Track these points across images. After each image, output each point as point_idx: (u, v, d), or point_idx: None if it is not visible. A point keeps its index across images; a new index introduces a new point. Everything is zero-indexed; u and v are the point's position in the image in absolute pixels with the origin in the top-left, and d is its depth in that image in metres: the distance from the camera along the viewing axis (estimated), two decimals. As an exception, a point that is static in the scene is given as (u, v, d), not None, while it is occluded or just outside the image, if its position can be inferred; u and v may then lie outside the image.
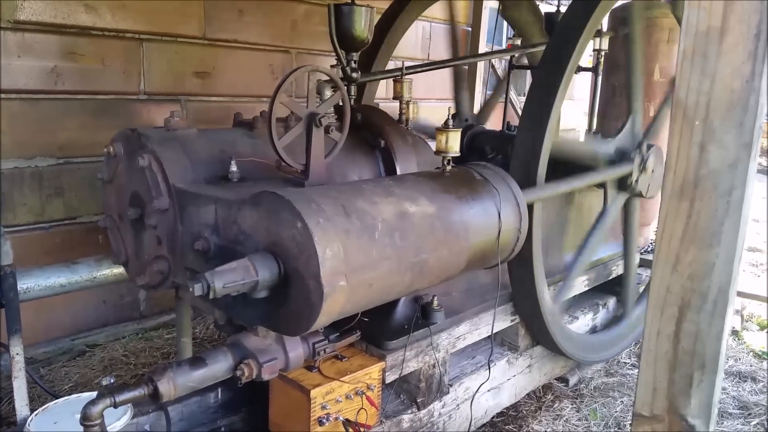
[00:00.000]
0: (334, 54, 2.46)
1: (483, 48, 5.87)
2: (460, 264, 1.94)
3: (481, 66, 5.82)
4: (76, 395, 2.46)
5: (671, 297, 0.90)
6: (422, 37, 5.45)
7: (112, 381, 1.66)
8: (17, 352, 2.16)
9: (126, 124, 3.48)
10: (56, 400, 2.41)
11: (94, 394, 2.49)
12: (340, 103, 2.08)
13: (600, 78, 3.45)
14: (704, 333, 0.90)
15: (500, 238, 2.02)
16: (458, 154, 2.06)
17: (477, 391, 2.63)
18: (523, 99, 4.38)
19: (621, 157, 3.12)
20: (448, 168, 2.07)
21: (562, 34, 2.55)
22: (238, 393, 2.41)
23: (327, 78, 2.05)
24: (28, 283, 2.20)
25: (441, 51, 5.62)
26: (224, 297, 1.53)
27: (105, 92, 3.41)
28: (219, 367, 1.75)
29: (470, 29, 5.85)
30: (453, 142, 2.02)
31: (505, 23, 6.64)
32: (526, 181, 2.43)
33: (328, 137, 1.98)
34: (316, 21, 4.39)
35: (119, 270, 2.42)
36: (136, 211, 1.98)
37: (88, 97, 3.35)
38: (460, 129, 2.07)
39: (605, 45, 3.31)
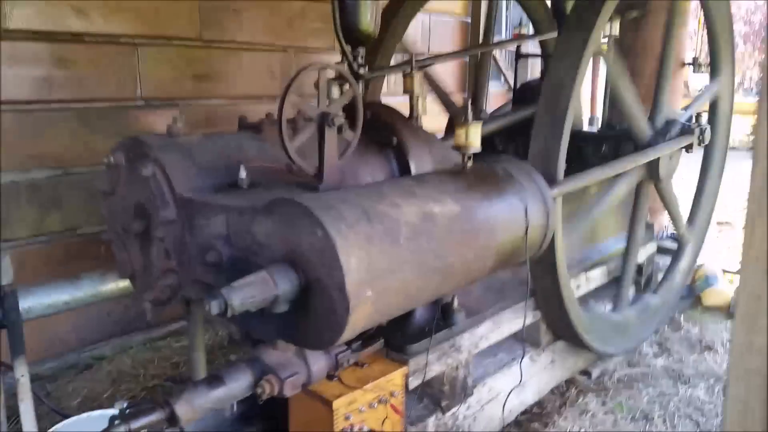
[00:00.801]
0: (333, 50, 2.35)
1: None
2: (486, 265, 1.85)
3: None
4: (86, 414, 2.38)
5: (763, 305, 0.80)
6: (422, 30, 5.33)
7: (125, 405, 1.56)
8: (22, 374, 2.07)
9: (123, 131, 3.39)
10: (65, 420, 2.32)
11: (103, 412, 2.42)
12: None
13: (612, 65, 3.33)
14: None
15: (528, 236, 1.92)
16: (479, 150, 1.96)
17: (507, 397, 2.54)
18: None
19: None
20: (470, 164, 1.96)
21: (580, 13, 2.45)
22: (255, 405, 2.32)
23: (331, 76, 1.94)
24: (30, 302, 2.10)
25: (441, 44, 5.51)
26: (241, 312, 1.44)
27: (100, 99, 3.30)
28: (238, 385, 1.65)
29: (470, 21, 5.74)
30: (474, 137, 1.91)
31: (503, 13, 6.56)
32: (547, 174, 2.32)
33: (340, 137, 1.88)
34: (312, 18, 4.28)
35: (124, 283, 2.32)
36: (141, 223, 1.88)
37: (83, 106, 3.25)
38: (481, 122, 1.96)
39: (616, 30, 3.20)
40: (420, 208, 1.64)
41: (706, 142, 3.20)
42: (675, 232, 3.86)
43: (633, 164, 2.87)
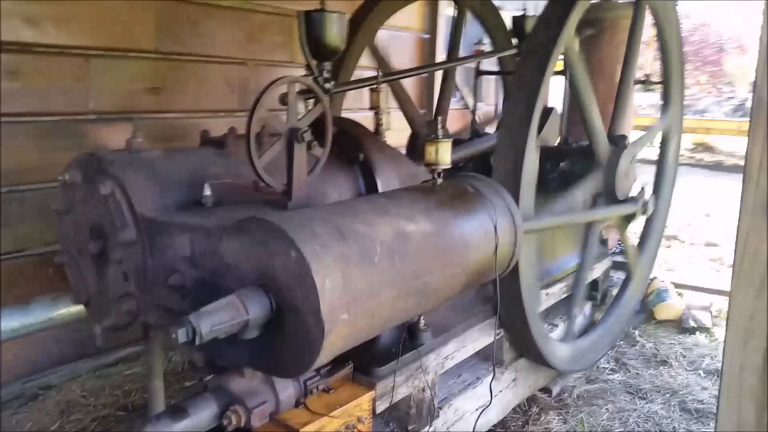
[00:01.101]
0: (293, 64, 2.30)
1: (441, 56, 5.81)
2: (459, 283, 1.82)
3: (438, 74, 5.76)
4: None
5: (756, 326, 0.79)
6: (380, 46, 5.33)
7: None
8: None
9: (75, 146, 3.24)
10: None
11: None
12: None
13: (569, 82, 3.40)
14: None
15: (497, 254, 1.91)
16: (449, 166, 1.95)
17: (478, 418, 2.52)
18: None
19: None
20: (439, 181, 1.94)
21: (541, 32, 2.48)
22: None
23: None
24: (-25, 329, 1.97)
25: (400, 59, 5.52)
26: (207, 338, 1.36)
27: (51, 113, 3.15)
28: (203, 415, 1.57)
29: (428, 36, 5.78)
30: (444, 154, 1.89)
31: (462, 30, 6.63)
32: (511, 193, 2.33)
33: (308, 153, 1.83)
34: (272, 31, 4.22)
35: (78, 308, 2.20)
36: (97, 244, 1.78)
37: (33, 119, 3.09)
38: (451, 140, 1.95)
39: (576, 47, 3.27)
40: (394, 227, 1.61)
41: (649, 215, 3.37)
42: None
43: (606, 215, 2.95)
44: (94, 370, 3.40)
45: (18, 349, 3.08)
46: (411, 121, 3.47)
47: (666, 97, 3.63)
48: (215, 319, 1.31)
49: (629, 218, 3.28)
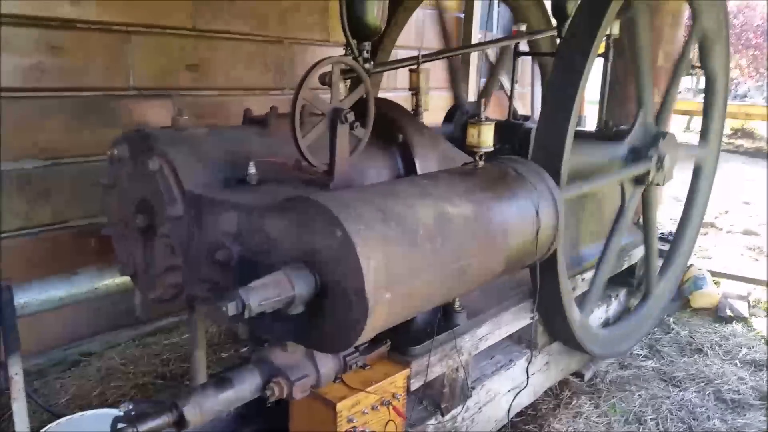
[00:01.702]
0: (328, 43, 2.27)
1: (476, 35, 5.74)
2: (498, 267, 1.82)
3: (474, 54, 5.69)
4: (79, 414, 2.31)
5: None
6: (415, 25, 5.29)
7: (130, 407, 1.51)
8: (16, 372, 2.01)
9: (114, 121, 3.31)
10: (59, 420, 2.25)
11: (97, 412, 2.36)
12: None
13: (609, 64, 3.33)
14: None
15: (538, 238, 1.90)
16: (491, 149, 1.93)
17: (513, 400, 2.53)
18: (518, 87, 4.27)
19: (636, 155, 3.03)
20: (481, 164, 1.94)
21: (588, 11, 2.44)
22: (252, 405, 2.27)
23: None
24: (25, 298, 2.04)
25: (434, 39, 5.47)
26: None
27: (91, 88, 3.22)
28: (247, 387, 1.61)
29: (462, 16, 5.71)
30: (486, 136, 1.89)
31: (496, 10, 6.54)
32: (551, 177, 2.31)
33: (350, 134, 1.84)
34: (305, 11, 4.22)
35: (122, 280, 2.26)
36: (144, 218, 1.82)
37: (73, 95, 3.15)
38: (494, 122, 1.94)
39: (616, 30, 3.19)
40: (435, 209, 1.61)
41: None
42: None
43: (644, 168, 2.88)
44: (134, 339, 3.51)
45: (61, 318, 3.19)
46: (458, 97, 3.49)
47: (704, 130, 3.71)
48: (263, 295, 1.34)
49: (641, 181, 3.12)
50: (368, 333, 1.44)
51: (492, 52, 6.36)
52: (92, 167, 3.23)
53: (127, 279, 2.18)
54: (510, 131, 3.43)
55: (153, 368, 3.24)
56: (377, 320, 1.41)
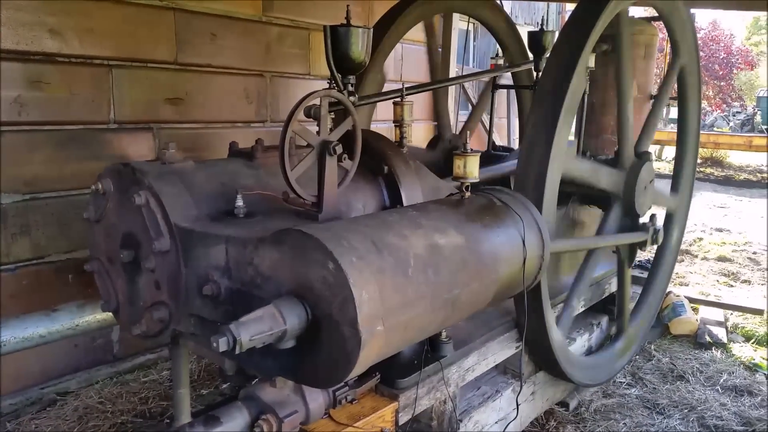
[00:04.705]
0: (310, 77, 2.30)
1: (453, 68, 5.84)
2: (489, 296, 1.83)
3: (452, 87, 5.79)
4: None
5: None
6: (394, 59, 5.38)
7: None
8: (-8, 414, 1.94)
9: (96, 155, 3.28)
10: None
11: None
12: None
13: (586, 96, 3.41)
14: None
15: (525, 267, 1.92)
16: (477, 180, 1.96)
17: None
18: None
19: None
20: (467, 194, 1.96)
21: (570, 36, 2.50)
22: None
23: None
24: (5, 336, 1.98)
25: (413, 72, 5.57)
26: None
27: (73, 122, 3.20)
28: (235, 424, 1.58)
29: (440, 49, 5.81)
30: (472, 167, 1.91)
31: (472, 45, 6.68)
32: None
33: (338, 166, 1.85)
34: (289, 44, 4.27)
35: (103, 316, 2.21)
36: (129, 253, 1.79)
37: (54, 128, 3.13)
38: (479, 153, 1.96)
39: (592, 62, 3.28)
40: (426, 240, 1.62)
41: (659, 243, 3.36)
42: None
43: (617, 241, 2.96)
44: (111, 377, 3.42)
45: (36, 355, 3.10)
46: (443, 127, 3.61)
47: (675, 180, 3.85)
48: (254, 329, 1.32)
49: (638, 247, 3.25)
50: (361, 366, 1.42)
51: (469, 84, 6.49)
52: (74, 201, 3.19)
53: (107, 315, 2.14)
54: (488, 162, 3.48)
55: (132, 406, 3.15)
56: (370, 353, 1.40)
